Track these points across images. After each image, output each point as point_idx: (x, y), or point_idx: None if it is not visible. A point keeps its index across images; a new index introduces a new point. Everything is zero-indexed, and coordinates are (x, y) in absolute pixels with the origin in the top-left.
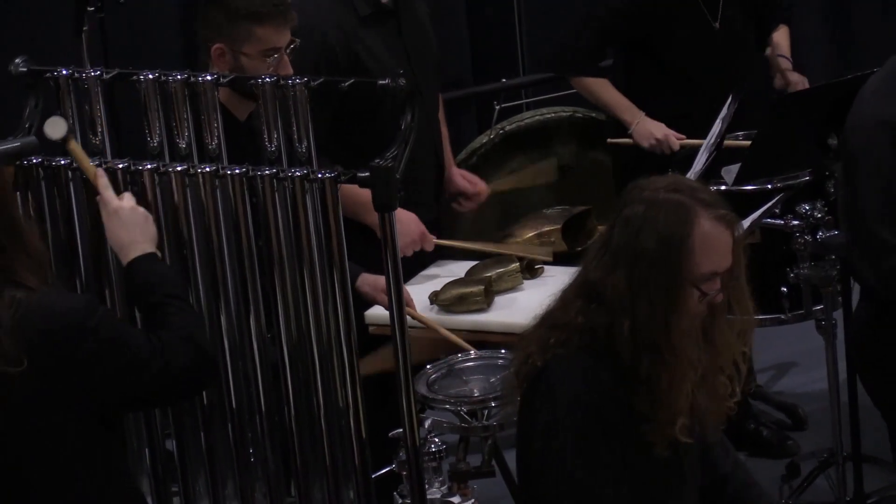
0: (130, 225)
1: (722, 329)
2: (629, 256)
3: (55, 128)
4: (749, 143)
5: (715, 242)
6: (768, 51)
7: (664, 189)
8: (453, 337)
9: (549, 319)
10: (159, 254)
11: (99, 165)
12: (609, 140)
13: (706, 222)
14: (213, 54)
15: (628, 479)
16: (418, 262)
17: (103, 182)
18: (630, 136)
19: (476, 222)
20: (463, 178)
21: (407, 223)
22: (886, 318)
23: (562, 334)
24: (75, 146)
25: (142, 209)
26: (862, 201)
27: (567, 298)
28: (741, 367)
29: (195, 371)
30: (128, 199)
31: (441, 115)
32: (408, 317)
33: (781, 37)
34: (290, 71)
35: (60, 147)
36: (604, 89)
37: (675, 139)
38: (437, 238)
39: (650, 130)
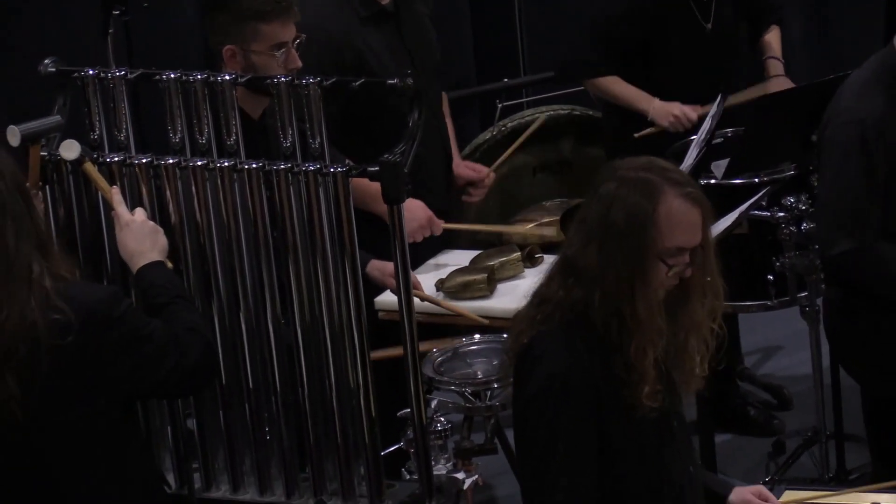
0: (140, 237)
1: (693, 306)
2: (600, 230)
3: (69, 150)
4: (754, 97)
5: (681, 218)
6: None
7: (636, 168)
8: (465, 310)
9: (537, 297)
10: (169, 263)
11: (98, 161)
12: (635, 135)
13: (673, 199)
14: (225, 56)
15: (609, 439)
16: (428, 248)
17: (117, 199)
18: (651, 126)
19: (480, 213)
20: (468, 169)
21: (414, 210)
22: (853, 301)
23: (546, 310)
24: (90, 167)
25: (151, 223)
26: (824, 191)
27: (551, 275)
28: (710, 344)
29: (205, 364)
30: (139, 214)
31: (445, 112)
32: (416, 300)
33: (773, 38)
34: (299, 64)
35: (89, 143)
36: (616, 85)
37: (693, 112)
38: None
39: (667, 110)
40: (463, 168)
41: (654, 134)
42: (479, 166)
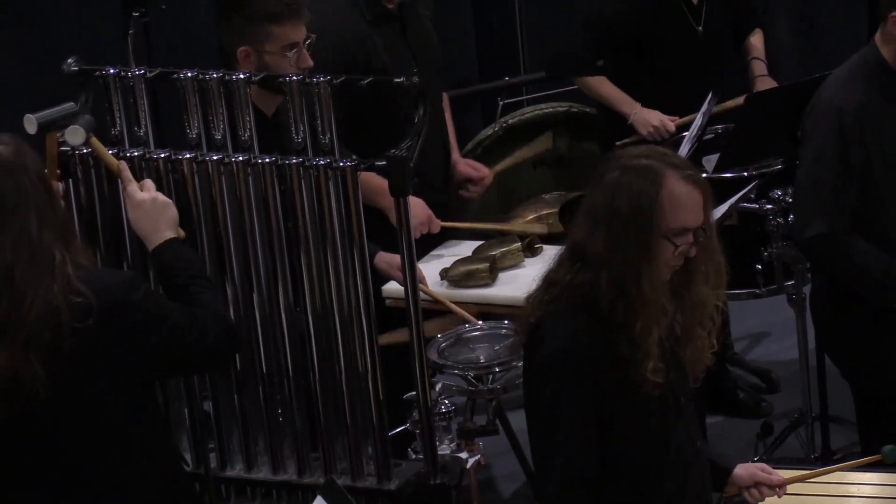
0: (153, 214)
1: (698, 285)
2: (606, 216)
3: (74, 135)
4: (741, 102)
5: (684, 199)
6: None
7: (637, 156)
8: (460, 310)
9: (546, 279)
10: (181, 232)
11: (119, 156)
12: (618, 143)
13: (675, 182)
14: (239, 56)
15: (611, 416)
16: (427, 243)
17: (126, 175)
18: (631, 130)
19: (481, 206)
20: (467, 166)
21: (413, 208)
22: (839, 291)
23: (554, 291)
24: (96, 141)
25: (162, 197)
26: (801, 176)
27: (560, 259)
28: (716, 320)
29: (224, 343)
30: (148, 189)
31: (445, 110)
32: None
33: (757, 40)
34: (310, 63)
35: (109, 138)
36: (603, 85)
37: (671, 123)
38: (443, 221)
39: (647, 119)
40: (463, 165)
41: (636, 142)
42: (479, 165)
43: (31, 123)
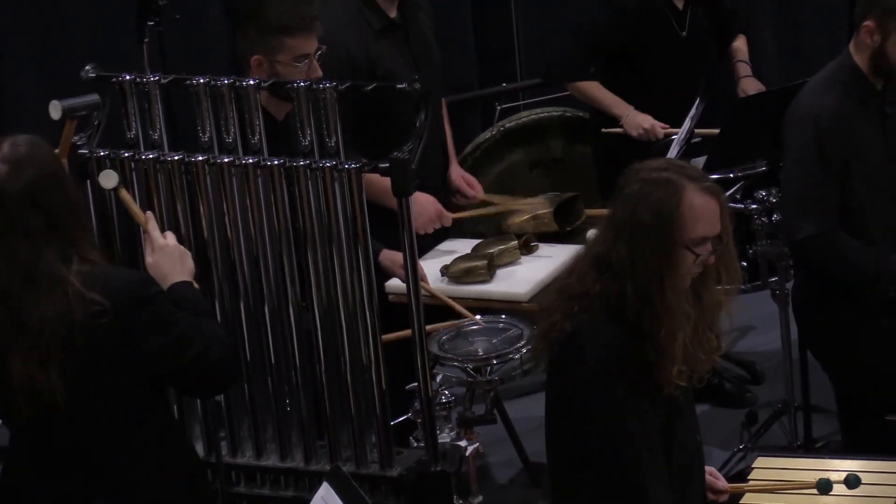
0: (172, 259)
1: (711, 290)
2: (629, 229)
3: (108, 179)
4: (717, 131)
5: (703, 210)
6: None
7: (656, 169)
8: (458, 307)
9: (568, 291)
10: (195, 285)
11: (134, 158)
12: (602, 129)
13: (693, 193)
14: (252, 65)
15: (646, 418)
16: (428, 241)
17: (152, 224)
18: (621, 127)
19: (480, 206)
20: (462, 180)
21: (425, 204)
22: (819, 288)
23: (583, 302)
24: (125, 195)
25: (181, 247)
26: (787, 181)
27: (582, 272)
28: (724, 323)
29: (224, 366)
30: (170, 238)
31: (444, 116)
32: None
33: (741, 44)
34: (320, 73)
35: (125, 141)
36: (596, 90)
37: (661, 128)
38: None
39: (638, 122)
40: (458, 178)
41: (619, 134)
42: (474, 182)
43: (56, 109)
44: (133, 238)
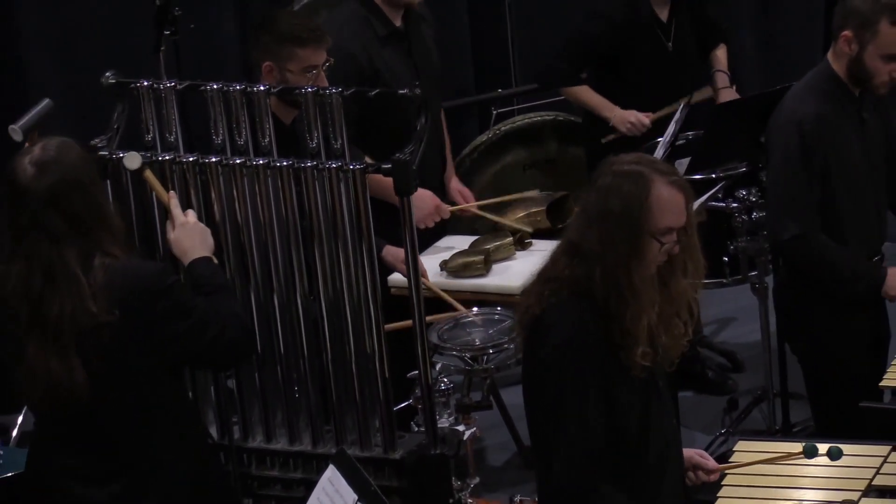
0: (192, 235)
1: (678, 279)
2: (600, 217)
3: (132, 161)
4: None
5: (669, 202)
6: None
7: (627, 162)
8: (455, 303)
9: (543, 275)
10: (215, 259)
11: (151, 159)
12: (602, 140)
13: (661, 186)
14: (264, 71)
15: (611, 396)
16: (428, 237)
17: (174, 202)
18: (613, 130)
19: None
20: (458, 193)
21: (423, 199)
22: (799, 283)
23: (554, 286)
24: (149, 174)
25: (202, 224)
26: (771, 184)
27: (556, 257)
28: (693, 311)
29: (241, 342)
30: (191, 216)
31: (441, 119)
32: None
33: (721, 53)
34: (326, 83)
35: (143, 143)
36: (586, 94)
37: (646, 118)
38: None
39: (624, 117)
40: (454, 190)
41: (618, 139)
42: (468, 194)
43: (16, 133)
44: (152, 240)
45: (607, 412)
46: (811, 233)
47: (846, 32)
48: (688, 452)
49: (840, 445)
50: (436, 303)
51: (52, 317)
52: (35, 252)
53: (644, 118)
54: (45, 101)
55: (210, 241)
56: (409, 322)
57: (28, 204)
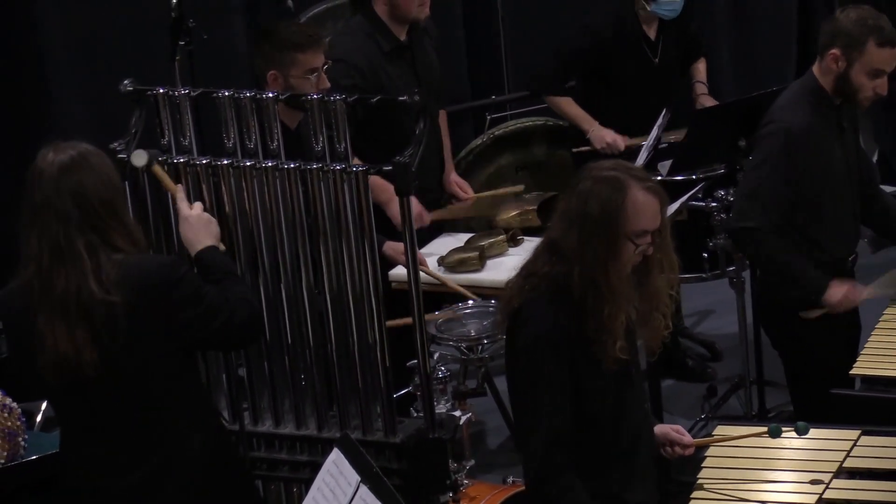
0: (198, 227)
1: (654, 277)
2: (579, 219)
3: (139, 158)
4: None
5: (644, 207)
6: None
7: (606, 168)
8: (459, 287)
9: (524, 270)
10: (221, 246)
11: (166, 162)
12: (573, 150)
13: (637, 191)
14: (269, 79)
15: (584, 386)
16: (426, 235)
17: (180, 195)
18: (588, 142)
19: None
20: (457, 186)
21: None
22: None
23: (534, 281)
24: (157, 169)
25: (207, 214)
26: (746, 178)
27: (537, 253)
28: (670, 306)
29: (250, 325)
30: (197, 207)
31: (443, 124)
32: (422, 273)
33: (701, 66)
34: (328, 84)
35: (160, 147)
36: (567, 105)
37: (622, 141)
38: (431, 213)
39: (602, 136)
40: (454, 184)
41: (588, 152)
42: (467, 188)
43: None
44: (167, 234)
45: (579, 401)
46: (765, 229)
47: (834, 51)
48: (664, 429)
49: (811, 427)
50: (434, 299)
51: (58, 291)
52: (45, 230)
53: (621, 142)
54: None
55: (215, 229)
56: (409, 319)
57: (43, 187)
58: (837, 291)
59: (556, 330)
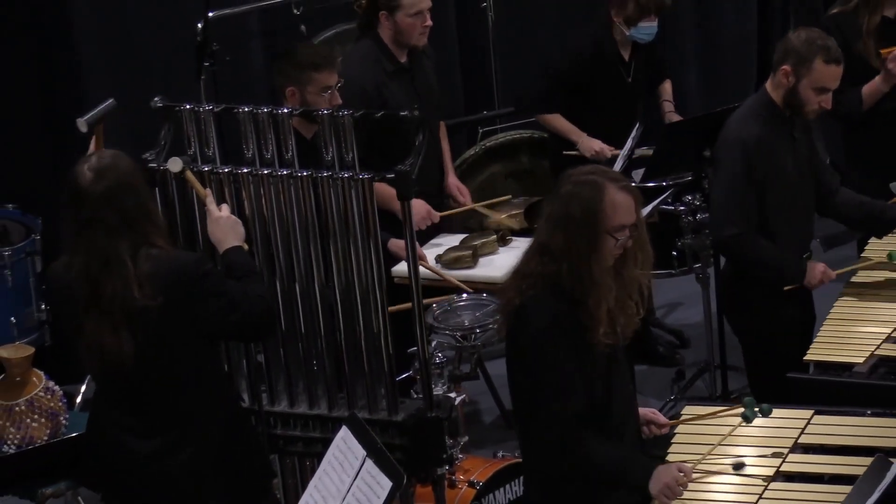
0: (226, 228)
1: (630, 268)
2: (563, 221)
3: (174, 165)
4: (651, 152)
5: (621, 204)
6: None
7: (584, 173)
8: (456, 281)
9: (520, 273)
10: (245, 246)
11: (193, 170)
12: (564, 152)
13: (614, 191)
14: (287, 95)
15: (583, 370)
16: (426, 235)
17: (210, 199)
18: (577, 150)
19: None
20: (457, 189)
21: (416, 206)
22: (739, 276)
23: (530, 281)
24: (189, 175)
25: (234, 217)
26: (716, 191)
27: (528, 256)
28: (644, 294)
29: (264, 321)
30: (225, 210)
31: (443, 136)
32: (421, 268)
33: (668, 86)
34: (340, 101)
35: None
36: (557, 120)
37: (609, 150)
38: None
39: (590, 145)
40: (454, 187)
41: (576, 156)
42: (465, 191)
43: (82, 125)
44: (192, 233)
45: (580, 381)
46: (747, 232)
47: (785, 67)
48: (643, 411)
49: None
50: (432, 292)
51: (106, 296)
52: (93, 243)
53: (607, 150)
54: (109, 101)
55: (241, 230)
56: (409, 304)
57: (87, 203)
58: (816, 273)
59: (558, 320)
